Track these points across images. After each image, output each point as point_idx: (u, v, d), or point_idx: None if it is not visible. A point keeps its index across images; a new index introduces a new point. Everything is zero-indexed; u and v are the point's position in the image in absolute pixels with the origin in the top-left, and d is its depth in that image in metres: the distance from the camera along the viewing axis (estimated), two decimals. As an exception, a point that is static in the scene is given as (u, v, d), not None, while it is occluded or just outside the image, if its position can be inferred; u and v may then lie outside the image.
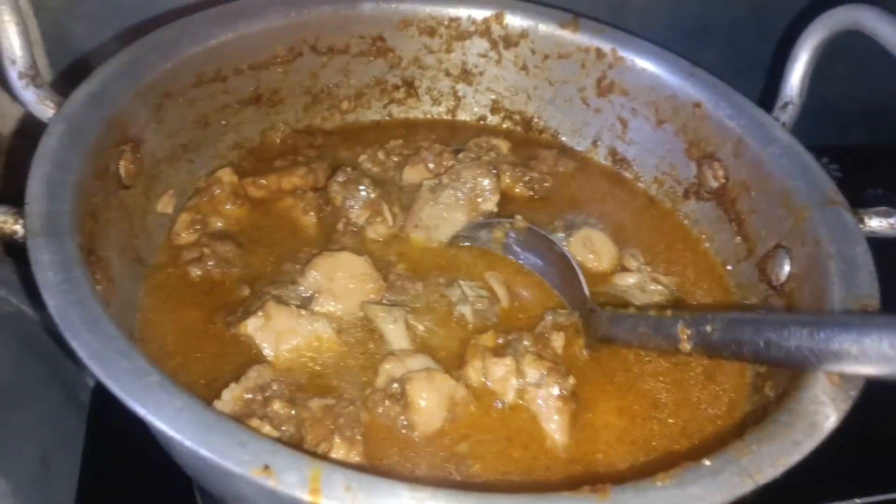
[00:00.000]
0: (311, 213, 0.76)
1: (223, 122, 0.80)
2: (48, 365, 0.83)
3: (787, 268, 0.70)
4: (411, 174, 0.79)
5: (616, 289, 0.74)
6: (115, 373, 0.46)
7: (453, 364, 0.64)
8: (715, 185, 0.79)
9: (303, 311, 0.64)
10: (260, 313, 0.63)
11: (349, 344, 0.65)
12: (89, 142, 0.61)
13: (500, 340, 0.65)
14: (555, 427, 0.61)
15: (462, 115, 0.93)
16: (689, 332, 0.57)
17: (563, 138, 0.90)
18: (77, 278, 0.50)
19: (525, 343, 0.64)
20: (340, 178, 0.75)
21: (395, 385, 0.60)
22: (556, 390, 0.61)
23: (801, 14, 1.00)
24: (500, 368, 0.62)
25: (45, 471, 0.79)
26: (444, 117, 0.93)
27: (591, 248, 0.76)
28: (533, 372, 0.62)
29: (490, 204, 0.75)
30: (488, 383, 0.63)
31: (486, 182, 0.75)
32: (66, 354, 0.69)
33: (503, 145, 0.86)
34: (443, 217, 0.74)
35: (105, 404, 0.83)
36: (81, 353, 0.46)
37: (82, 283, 0.50)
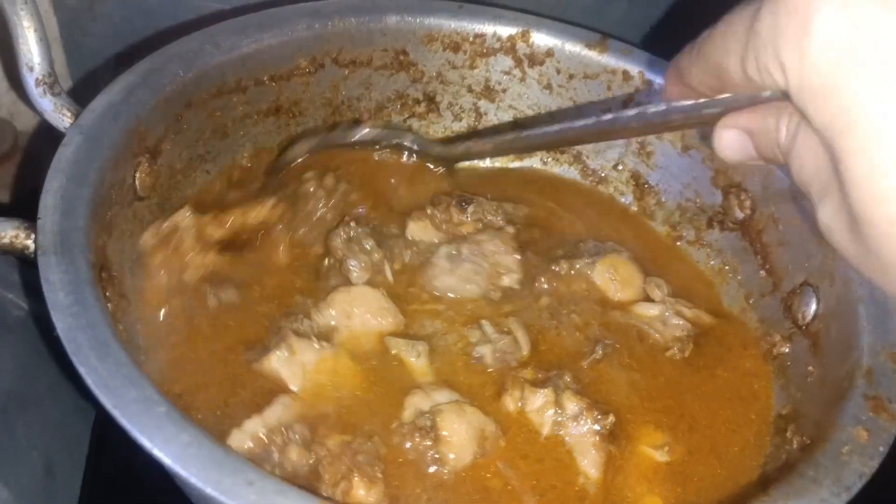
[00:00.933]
0: (285, 252, 0.71)
1: (242, 133, 0.79)
2: (57, 370, 0.83)
3: (813, 307, 0.68)
4: (417, 231, 0.75)
5: (636, 319, 0.72)
6: (123, 402, 0.44)
7: (476, 402, 0.62)
8: (741, 215, 0.77)
9: (324, 344, 0.62)
10: (283, 346, 0.61)
11: (370, 378, 0.63)
12: (107, 154, 0.60)
13: (540, 376, 0.64)
14: (589, 463, 0.60)
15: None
16: None
17: (586, 160, 0.89)
18: (88, 300, 0.49)
19: (566, 379, 0.63)
20: (343, 236, 0.70)
21: (425, 418, 0.58)
22: (595, 426, 0.60)
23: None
24: (540, 398, 0.61)
25: (48, 479, 0.78)
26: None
27: (614, 276, 0.74)
28: (572, 406, 0.61)
29: (511, 281, 0.72)
30: (527, 411, 0.62)
31: (510, 261, 0.72)
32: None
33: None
34: (457, 288, 0.71)
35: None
36: (88, 379, 0.45)
37: (94, 305, 0.49)
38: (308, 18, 0.78)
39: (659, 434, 0.64)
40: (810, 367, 0.65)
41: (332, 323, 0.65)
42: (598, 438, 0.60)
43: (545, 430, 0.61)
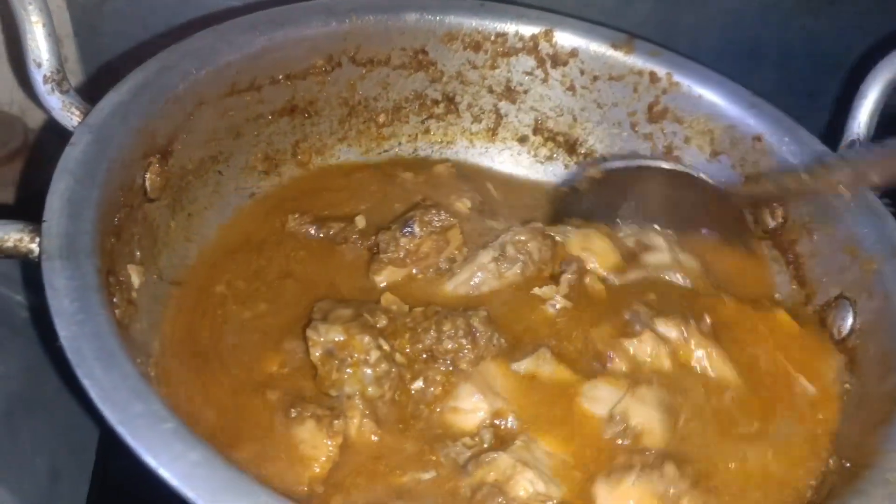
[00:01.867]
0: None
1: (255, 133, 0.76)
2: (63, 373, 0.81)
3: (849, 320, 0.65)
4: (389, 275, 0.69)
5: (649, 272, 0.71)
6: (128, 417, 0.42)
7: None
8: (772, 224, 0.75)
9: None
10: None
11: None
12: (116, 154, 0.58)
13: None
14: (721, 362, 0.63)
15: (503, 134, 0.88)
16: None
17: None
18: (94, 308, 0.47)
19: (644, 310, 0.64)
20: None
21: (616, 423, 0.59)
22: (702, 327, 0.64)
23: (872, 48, 0.95)
24: (645, 345, 0.63)
25: (53, 485, 0.76)
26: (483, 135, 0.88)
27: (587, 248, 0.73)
28: (671, 330, 0.63)
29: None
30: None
31: (549, 253, 0.70)
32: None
33: (462, 206, 0.76)
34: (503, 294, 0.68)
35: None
36: (92, 392, 0.43)
37: (99, 313, 0.47)
38: (325, 15, 0.76)
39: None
40: (847, 385, 0.63)
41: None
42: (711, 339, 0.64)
43: (667, 366, 0.63)
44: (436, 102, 0.86)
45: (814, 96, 1.04)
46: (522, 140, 0.88)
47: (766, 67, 1.03)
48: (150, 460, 0.41)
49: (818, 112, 1.03)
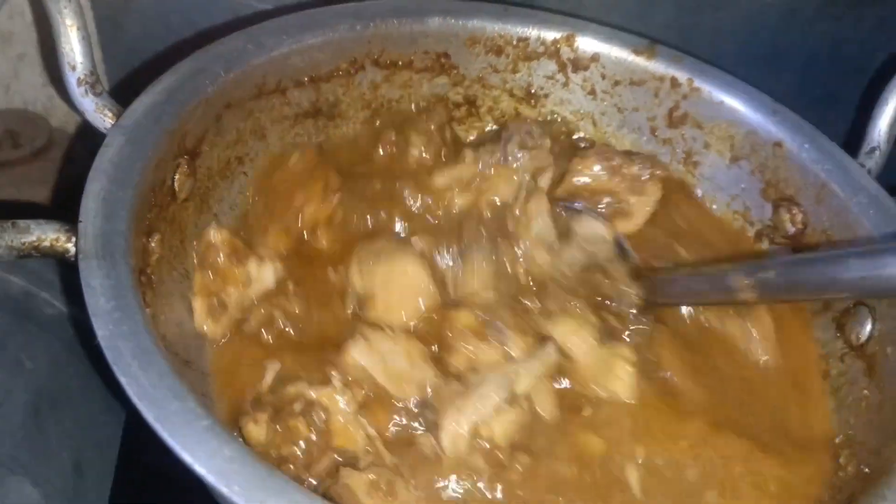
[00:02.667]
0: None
1: (279, 135, 0.77)
2: (88, 369, 0.82)
3: (868, 327, 0.66)
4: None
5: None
6: (164, 414, 0.43)
7: None
8: (792, 230, 0.75)
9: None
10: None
11: None
12: (148, 155, 0.59)
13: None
14: None
15: (523, 137, 0.89)
16: (747, 281, 0.58)
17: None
18: (130, 306, 0.48)
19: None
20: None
21: None
22: None
23: (894, 55, 0.95)
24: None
25: (78, 479, 0.77)
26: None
27: None
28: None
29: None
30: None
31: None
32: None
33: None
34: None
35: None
36: (130, 390, 0.44)
37: (135, 312, 0.48)
38: (350, 19, 0.77)
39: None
40: (866, 391, 0.63)
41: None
42: None
43: None
44: (457, 105, 0.87)
45: (834, 102, 1.04)
46: (541, 143, 0.89)
47: (787, 73, 1.03)
48: (187, 457, 0.42)
49: (839, 118, 1.03)
